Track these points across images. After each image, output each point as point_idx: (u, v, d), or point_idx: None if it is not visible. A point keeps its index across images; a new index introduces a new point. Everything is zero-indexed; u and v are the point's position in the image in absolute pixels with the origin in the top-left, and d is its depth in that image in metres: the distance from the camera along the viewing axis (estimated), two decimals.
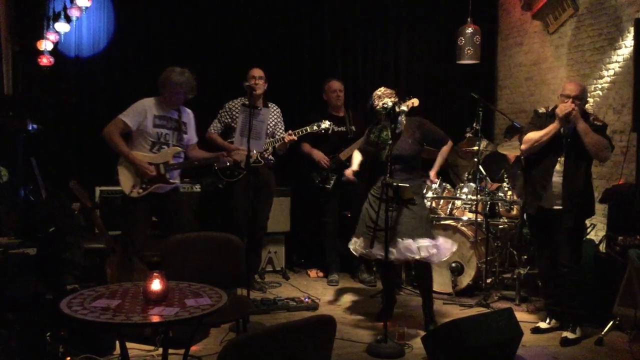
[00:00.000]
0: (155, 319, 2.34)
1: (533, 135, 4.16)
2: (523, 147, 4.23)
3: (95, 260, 4.61)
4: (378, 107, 4.24)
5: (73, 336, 3.55)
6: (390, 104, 4.14)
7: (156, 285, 2.50)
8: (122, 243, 4.47)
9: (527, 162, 4.32)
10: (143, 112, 4.21)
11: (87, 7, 5.61)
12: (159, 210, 4.37)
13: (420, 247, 4.17)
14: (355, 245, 4.45)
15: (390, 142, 4.09)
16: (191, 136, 4.47)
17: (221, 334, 4.06)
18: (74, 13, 5.59)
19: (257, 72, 5.16)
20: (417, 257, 4.19)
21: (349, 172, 4.66)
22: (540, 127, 4.18)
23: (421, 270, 4.43)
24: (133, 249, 4.27)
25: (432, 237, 4.28)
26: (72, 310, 2.40)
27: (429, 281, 4.46)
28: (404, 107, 4.21)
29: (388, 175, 4.02)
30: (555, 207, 4.13)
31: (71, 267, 3.98)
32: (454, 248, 4.45)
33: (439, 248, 4.27)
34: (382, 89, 4.34)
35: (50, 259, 3.73)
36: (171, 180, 4.30)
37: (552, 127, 4.08)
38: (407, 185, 4.05)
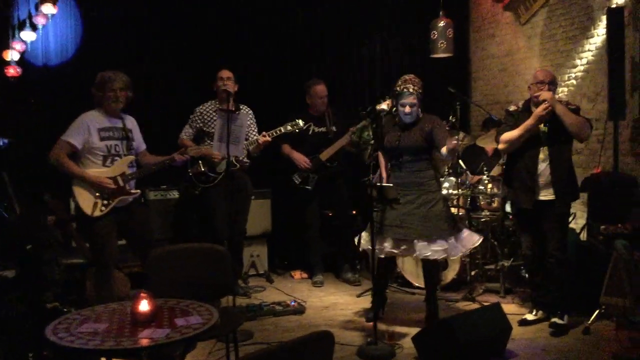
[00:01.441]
0: (146, 342, 2.27)
1: (510, 135, 4.17)
2: (501, 146, 4.25)
3: (75, 275, 4.53)
4: (397, 89, 4.19)
5: (56, 356, 3.46)
6: (386, 108, 4.11)
7: (144, 306, 2.43)
8: (95, 264, 4.24)
9: (509, 156, 4.33)
10: (85, 127, 4.00)
11: (53, 15, 5.46)
12: (124, 224, 4.16)
13: (434, 250, 4.14)
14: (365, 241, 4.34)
15: (372, 142, 4.06)
16: (139, 142, 4.31)
17: (209, 345, 3.99)
18: (39, 21, 5.44)
19: (225, 73, 5.08)
20: (432, 258, 4.17)
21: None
22: (514, 126, 4.20)
23: (428, 266, 4.38)
24: (109, 267, 4.12)
25: (447, 237, 4.19)
26: (58, 337, 2.32)
27: (436, 277, 4.48)
28: (384, 106, 4.18)
29: (391, 169, 3.96)
30: (545, 198, 4.15)
31: (51, 285, 3.89)
32: (478, 241, 4.33)
33: (451, 247, 4.20)
34: (412, 75, 4.25)
35: (29, 277, 3.64)
36: (132, 191, 4.16)
37: (529, 125, 4.10)
38: (391, 184, 4.03)
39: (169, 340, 2.28)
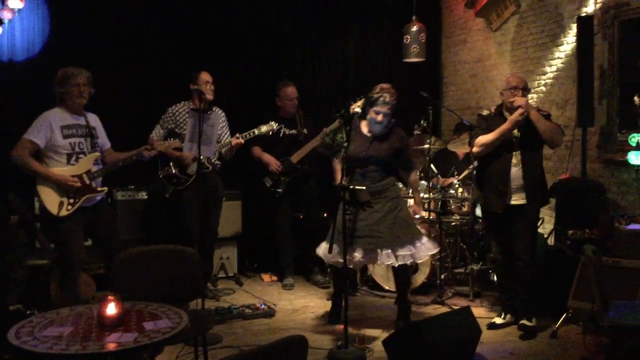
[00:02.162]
0: (113, 346, 2.20)
1: (485, 139, 4.20)
2: (476, 150, 4.26)
3: (39, 277, 4.41)
4: (372, 94, 4.21)
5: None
6: (359, 110, 4.11)
7: (111, 309, 2.36)
8: (61, 264, 4.10)
9: (481, 161, 4.35)
10: (48, 125, 3.90)
11: (19, 9, 5.32)
12: (90, 223, 4.05)
13: (399, 255, 4.17)
14: (334, 253, 4.23)
15: (345, 144, 4.04)
16: (103, 140, 4.21)
17: (177, 349, 3.92)
18: (5, 15, 5.28)
19: (209, 77, 4.98)
20: (396, 265, 4.21)
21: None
22: (487, 130, 4.23)
23: (399, 274, 4.41)
24: (75, 268, 4.02)
25: (413, 243, 4.25)
26: (21, 341, 2.23)
27: (407, 281, 4.51)
28: (357, 109, 4.16)
29: (352, 177, 3.95)
30: (516, 202, 4.19)
31: (14, 286, 3.78)
32: (434, 250, 4.43)
33: (418, 251, 4.27)
34: (388, 85, 4.27)
35: None
36: (99, 189, 4.06)
37: (505, 129, 4.14)
38: (363, 187, 4.02)
39: (137, 345, 2.21)
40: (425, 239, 4.40)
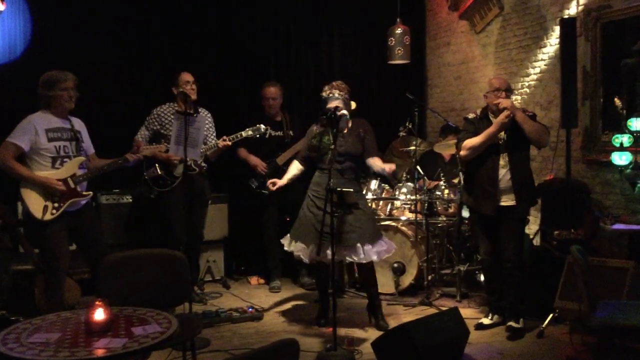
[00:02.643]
0: (102, 352, 2.17)
1: (472, 142, 4.22)
2: (463, 153, 4.27)
3: (23, 282, 4.34)
4: (323, 94, 4.31)
5: None
6: (337, 104, 4.17)
7: (99, 314, 2.33)
8: (46, 269, 4.05)
9: (469, 164, 4.37)
10: (32, 128, 3.85)
11: (0, 12, 5.25)
12: (75, 227, 4.01)
13: (378, 251, 4.25)
14: (305, 251, 4.33)
15: (332, 146, 4.04)
16: (88, 145, 4.17)
17: (164, 353, 3.88)
18: None
19: (190, 77, 4.97)
20: (376, 259, 4.28)
21: (274, 185, 4.56)
22: (474, 133, 4.25)
23: (366, 270, 4.44)
24: (60, 273, 3.97)
25: (382, 238, 4.37)
26: (7, 347, 2.20)
27: (374, 279, 4.53)
28: (344, 111, 4.17)
29: (333, 180, 3.96)
30: (506, 204, 4.22)
31: None
32: (393, 249, 4.50)
33: (389, 242, 4.42)
34: (339, 82, 4.37)
35: None
36: (84, 193, 4.01)
37: (492, 132, 4.16)
38: (351, 190, 4.03)
39: (126, 351, 2.19)
40: (385, 238, 4.53)
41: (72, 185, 3.92)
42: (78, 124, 4.10)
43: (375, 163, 4.36)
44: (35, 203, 3.80)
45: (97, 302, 2.35)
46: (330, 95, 4.27)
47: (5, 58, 5.43)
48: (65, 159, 3.94)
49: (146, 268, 3.25)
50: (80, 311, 2.63)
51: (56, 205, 3.86)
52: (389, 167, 4.33)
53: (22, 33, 5.50)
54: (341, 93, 4.28)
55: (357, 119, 4.44)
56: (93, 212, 4.19)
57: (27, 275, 4.27)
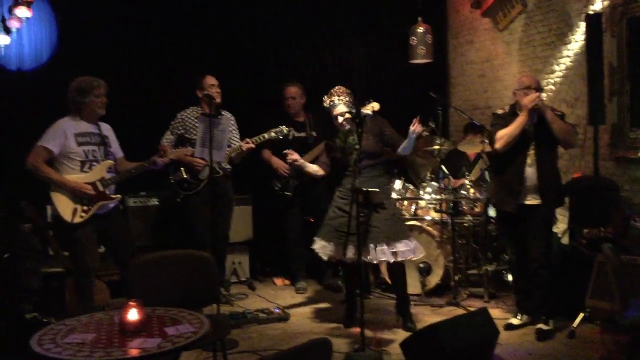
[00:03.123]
0: (137, 352, 2.19)
1: (505, 131, 4.18)
2: (497, 145, 4.22)
3: (53, 284, 4.40)
4: (324, 104, 4.37)
5: None
6: (342, 109, 4.23)
7: (133, 314, 2.35)
8: (75, 271, 4.11)
9: (496, 161, 4.34)
10: (62, 133, 3.91)
11: (27, 18, 5.33)
12: (104, 230, 4.07)
13: (395, 251, 4.18)
14: (325, 250, 4.35)
15: (357, 147, 4.04)
16: (116, 149, 4.22)
17: (192, 354, 3.91)
18: (13, 24, 5.29)
19: (214, 80, 5.00)
20: (392, 260, 4.20)
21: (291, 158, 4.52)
22: (504, 126, 4.22)
23: (396, 270, 4.40)
24: (90, 275, 4.01)
25: (407, 237, 4.30)
26: (44, 348, 2.22)
27: (404, 280, 4.48)
28: (368, 110, 4.15)
29: (357, 179, 3.95)
30: (530, 202, 4.17)
31: (29, 295, 3.77)
32: (421, 253, 4.44)
33: (418, 245, 4.34)
34: (337, 87, 4.40)
35: (8, 286, 3.51)
36: (112, 196, 4.06)
37: (521, 119, 4.13)
38: (377, 190, 4.01)
39: (161, 350, 2.20)
40: (413, 239, 4.42)
41: (100, 188, 3.97)
42: (106, 129, 4.16)
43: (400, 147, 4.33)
44: (65, 206, 3.86)
45: (130, 303, 2.37)
46: (332, 103, 4.31)
47: (32, 64, 5.52)
48: (93, 163, 3.99)
49: (175, 269, 3.27)
50: (112, 312, 2.66)
51: (85, 208, 3.91)
52: (414, 128, 4.20)
53: (48, 39, 5.58)
54: (341, 98, 4.32)
55: (370, 118, 4.36)
56: (121, 215, 4.24)
57: (57, 278, 4.32)
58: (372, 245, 4.16)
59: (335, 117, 4.33)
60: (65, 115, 4.04)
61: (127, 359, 2.15)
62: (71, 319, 2.57)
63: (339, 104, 4.29)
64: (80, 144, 3.94)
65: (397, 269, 4.40)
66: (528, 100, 4.09)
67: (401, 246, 4.23)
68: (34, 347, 2.25)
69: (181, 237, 5.40)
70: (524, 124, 4.12)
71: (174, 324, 2.46)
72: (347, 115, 4.24)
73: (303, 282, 5.64)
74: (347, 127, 4.32)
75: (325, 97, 4.37)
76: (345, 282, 4.64)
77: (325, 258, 4.44)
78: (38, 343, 2.29)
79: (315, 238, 4.46)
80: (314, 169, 4.56)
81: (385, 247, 4.17)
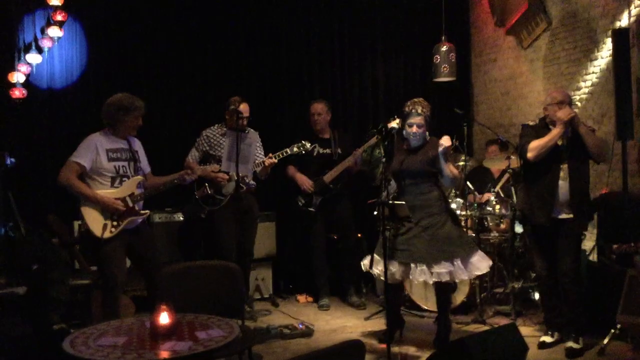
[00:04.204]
0: (168, 354, 2.19)
1: (539, 142, 4.15)
2: (530, 155, 4.17)
3: (80, 297, 4.43)
4: (405, 109, 4.24)
5: None
6: (396, 126, 4.13)
7: (164, 318, 2.35)
8: (103, 285, 4.12)
9: (527, 174, 4.30)
10: (94, 148, 3.95)
11: (59, 38, 5.47)
12: (132, 244, 4.09)
13: (435, 272, 4.08)
14: (378, 265, 4.23)
15: (383, 159, 4.03)
16: (144, 165, 4.26)
17: None
18: (45, 44, 5.44)
19: (245, 107, 5.01)
20: (430, 282, 4.13)
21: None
22: (536, 137, 4.19)
23: (437, 287, 4.33)
24: (117, 289, 4.04)
25: (451, 261, 4.11)
26: (77, 350, 2.24)
27: (447, 300, 4.41)
28: (394, 124, 4.17)
29: (385, 192, 3.94)
30: (563, 217, 4.14)
31: (57, 305, 3.80)
32: (486, 268, 4.24)
33: (457, 269, 4.12)
34: (421, 99, 4.30)
35: (36, 297, 3.55)
36: (141, 212, 4.10)
37: (556, 132, 4.10)
38: (403, 202, 3.99)
39: (192, 353, 2.20)
40: (476, 257, 4.20)
41: (130, 204, 4.01)
42: (136, 144, 4.21)
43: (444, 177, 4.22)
44: (95, 221, 3.90)
45: (162, 306, 2.38)
46: (413, 110, 4.20)
47: (63, 82, 5.63)
48: (124, 178, 4.04)
49: (203, 280, 3.27)
50: (143, 318, 2.67)
51: (115, 223, 3.94)
52: (444, 143, 4.11)
53: (78, 58, 5.69)
54: (424, 110, 4.21)
55: (434, 138, 4.30)
56: (149, 230, 4.27)
57: (84, 290, 4.35)
58: (412, 265, 4.11)
59: (410, 124, 4.21)
60: (98, 130, 4.09)
61: None
62: (102, 323, 2.59)
63: (420, 115, 4.20)
64: (111, 159, 3.99)
65: (439, 288, 4.31)
66: (563, 113, 4.06)
67: (440, 268, 4.08)
68: (66, 349, 2.26)
69: (206, 252, 5.43)
70: (557, 137, 4.10)
71: (204, 329, 2.47)
72: (415, 129, 4.19)
73: (326, 299, 5.61)
74: (416, 138, 4.22)
75: (408, 102, 4.27)
76: (386, 299, 4.48)
77: (380, 277, 4.28)
78: (71, 345, 2.30)
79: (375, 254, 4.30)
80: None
81: (425, 267, 4.09)
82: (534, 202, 4.21)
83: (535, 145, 4.15)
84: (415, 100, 4.28)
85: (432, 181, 4.26)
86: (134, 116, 4.05)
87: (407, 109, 4.24)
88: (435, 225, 4.16)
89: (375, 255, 4.22)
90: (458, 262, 4.15)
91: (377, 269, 4.16)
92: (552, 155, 4.12)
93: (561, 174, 4.13)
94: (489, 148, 6.06)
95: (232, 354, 3.20)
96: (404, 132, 4.24)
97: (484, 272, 4.28)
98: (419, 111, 4.20)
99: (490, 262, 4.29)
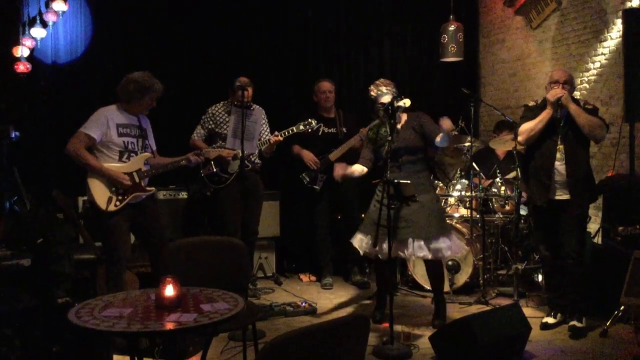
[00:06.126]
0: (174, 325, 2.20)
1: (528, 125, 4.19)
2: (520, 138, 4.25)
3: (84, 272, 4.44)
4: (372, 94, 4.29)
5: (66, 351, 3.37)
6: (389, 99, 4.12)
7: (170, 290, 2.35)
8: (107, 259, 4.14)
9: (527, 154, 4.30)
10: (105, 121, 3.93)
11: (63, 12, 5.43)
12: (136, 220, 4.10)
13: (433, 248, 4.12)
14: (362, 243, 4.33)
15: (389, 138, 4.01)
16: (152, 143, 4.25)
17: (220, 344, 3.92)
18: (50, 18, 5.41)
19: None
20: (429, 257, 4.15)
21: (338, 175, 4.37)
22: (533, 118, 4.19)
23: (433, 267, 4.36)
24: (121, 263, 4.05)
25: (447, 235, 4.21)
26: (82, 320, 2.24)
27: (440, 276, 4.43)
28: (401, 103, 4.14)
29: (389, 170, 3.93)
30: (560, 197, 4.12)
31: (62, 280, 3.81)
32: (463, 250, 4.39)
33: (455, 245, 4.23)
34: (381, 79, 4.35)
35: (41, 271, 3.55)
36: (147, 188, 4.09)
37: (545, 114, 4.13)
38: (408, 182, 3.97)
39: (198, 324, 2.20)
40: (455, 237, 4.35)
41: (137, 179, 4.00)
42: (145, 122, 4.19)
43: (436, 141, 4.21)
44: (100, 194, 3.89)
45: (167, 279, 2.38)
46: (379, 93, 4.25)
47: (67, 57, 5.61)
48: (131, 154, 4.03)
49: (208, 255, 3.28)
50: (148, 290, 2.67)
51: (120, 197, 3.94)
52: (444, 126, 4.04)
53: (83, 33, 5.67)
54: (389, 88, 4.26)
55: (411, 112, 4.38)
56: (154, 206, 4.26)
57: (89, 265, 4.36)
58: (410, 240, 4.12)
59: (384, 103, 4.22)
60: (102, 105, 4.07)
61: (164, 332, 2.15)
62: (108, 295, 2.59)
63: (387, 94, 4.23)
64: (121, 134, 3.98)
65: (434, 266, 4.34)
66: (550, 94, 4.08)
67: (440, 244, 4.15)
68: (71, 319, 2.26)
69: (211, 230, 5.44)
70: (547, 119, 4.10)
71: (209, 302, 2.47)
72: (399, 104, 4.17)
73: (330, 278, 5.62)
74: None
75: (372, 87, 4.31)
76: (376, 276, 4.59)
77: (361, 252, 4.39)
78: (76, 316, 2.31)
79: (357, 232, 4.41)
80: (357, 170, 4.39)
81: (422, 243, 4.11)
82: (533, 183, 4.24)
83: (524, 129, 4.18)
84: (377, 82, 4.34)
85: (424, 158, 4.36)
86: (151, 97, 4.03)
87: (372, 93, 4.30)
88: (431, 202, 4.25)
89: (362, 234, 4.33)
90: (454, 238, 4.28)
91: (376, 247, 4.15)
92: (549, 137, 4.12)
93: (558, 155, 4.13)
94: (502, 133, 5.89)
95: (237, 327, 3.23)
96: (402, 106, 4.20)
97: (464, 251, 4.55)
98: (384, 90, 4.25)
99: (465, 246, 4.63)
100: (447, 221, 5.19)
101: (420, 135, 4.29)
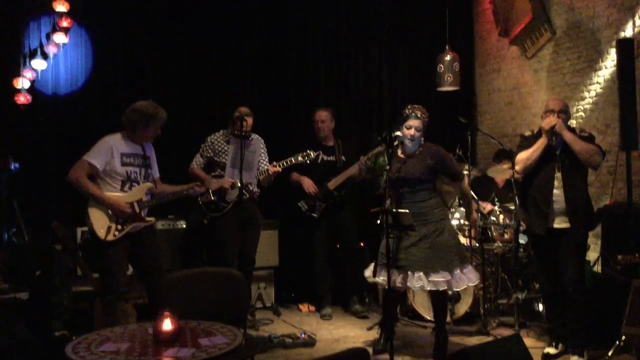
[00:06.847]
0: None
1: (524, 154, 4.22)
2: (517, 167, 4.28)
3: (82, 304, 4.42)
4: (405, 111, 4.28)
5: None
6: (400, 134, 4.16)
7: (167, 324, 2.34)
8: (104, 289, 4.12)
9: (525, 183, 4.32)
10: (109, 150, 3.95)
11: (64, 44, 5.48)
12: (134, 250, 4.09)
13: (432, 281, 4.08)
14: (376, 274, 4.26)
15: (387, 168, 4.02)
16: (155, 170, 4.27)
17: None
18: (50, 50, 5.46)
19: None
20: (427, 288, 4.12)
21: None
22: (529, 148, 4.22)
23: (435, 297, 4.34)
24: (118, 293, 4.03)
25: (450, 270, 4.12)
26: (79, 355, 2.22)
27: (443, 309, 4.40)
28: (398, 133, 4.17)
29: (388, 200, 3.93)
30: (559, 226, 4.13)
31: (60, 311, 3.79)
32: (476, 280, 4.30)
33: (456, 279, 4.14)
34: (420, 105, 4.36)
35: (38, 303, 3.54)
36: (147, 218, 4.10)
37: (540, 142, 4.17)
38: (407, 211, 3.98)
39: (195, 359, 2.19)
40: (468, 268, 4.26)
41: (137, 209, 4.01)
42: (149, 150, 4.21)
43: (463, 194, 4.49)
44: (100, 223, 3.89)
45: (164, 313, 2.37)
46: (412, 113, 4.23)
47: (68, 89, 5.64)
48: (133, 184, 4.04)
49: (205, 286, 3.26)
50: (146, 324, 2.65)
51: (119, 227, 3.94)
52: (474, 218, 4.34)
53: (83, 65, 5.71)
54: (422, 115, 4.25)
55: (429, 144, 4.34)
56: (153, 236, 4.26)
57: (86, 297, 4.34)
58: (409, 272, 4.10)
59: (409, 126, 4.23)
60: (104, 135, 4.08)
61: None
62: (105, 329, 2.57)
63: (419, 119, 4.23)
64: (124, 164, 3.99)
65: (438, 297, 4.30)
66: (545, 123, 4.13)
67: (437, 277, 4.09)
68: (69, 354, 2.24)
69: (208, 260, 5.41)
70: (542, 147, 4.13)
71: (207, 336, 2.45)
72: (413, 131, 4.21)
73: (329, 308, 5.58)
74: (413, 142, 4.25)
75: (409, 106, 4.30)
76: (382, 307, 4.51)
77: (369, 280, 4.37)
78: (73, 351, 2.29)
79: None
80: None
81: (421, 274, 4.08)
82: (531, 212, 4.24)
83: (521, 158, 4.21)
84: (414, 105, 4.32)
85: (430, 188, 4.29)
86: (156, 126, 4.06)
87: (406, 111, 4.28)
88: (433, 234, 4.18)
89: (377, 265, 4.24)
90: (457, 272, 4.17)
91: (381, 278, 4.16)
92: (547, 164, 4.15)
93: (555, 182, 4.14)
94: (502, 162, 5.86)
95: None
96: (401, 135, 4.23)
97: (474, 284, 4.35)
98: (418, 115, 4.24)
99: (478, 275, 4.38)
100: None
101: (433, 170, 4.26)
